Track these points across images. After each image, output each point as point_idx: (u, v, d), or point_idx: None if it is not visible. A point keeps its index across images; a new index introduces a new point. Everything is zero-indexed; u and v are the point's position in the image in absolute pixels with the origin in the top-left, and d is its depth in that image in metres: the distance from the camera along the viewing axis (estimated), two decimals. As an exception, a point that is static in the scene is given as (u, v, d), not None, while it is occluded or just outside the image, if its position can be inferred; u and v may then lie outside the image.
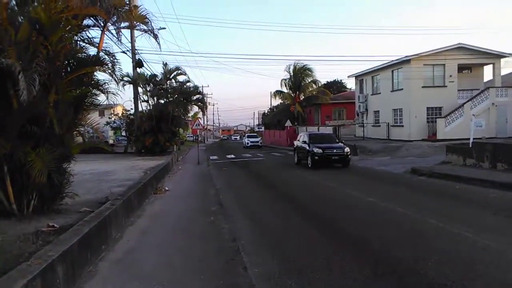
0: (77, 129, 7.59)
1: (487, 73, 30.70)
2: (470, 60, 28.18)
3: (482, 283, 4.49)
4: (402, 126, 28.61)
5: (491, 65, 29.07)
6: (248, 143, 43.43)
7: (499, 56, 28.38)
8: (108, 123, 32.39)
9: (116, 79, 7.34)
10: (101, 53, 7.09)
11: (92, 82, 6.98)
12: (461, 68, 28.74)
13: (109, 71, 6.94)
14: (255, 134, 53.42)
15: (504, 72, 31.62)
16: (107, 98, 7.12)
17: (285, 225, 7.81)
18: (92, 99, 7.13)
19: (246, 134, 57.10)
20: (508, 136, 25.46)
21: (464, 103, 26.95)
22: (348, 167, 17.84)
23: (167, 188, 12.65)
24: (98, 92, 7.09)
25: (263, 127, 66.96)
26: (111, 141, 41.43)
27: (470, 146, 15.15)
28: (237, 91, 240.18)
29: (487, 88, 27.84)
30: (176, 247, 6.28)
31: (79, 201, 7.71)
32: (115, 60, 7.11)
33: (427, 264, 5.10)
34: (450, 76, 27.67)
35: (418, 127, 27.53)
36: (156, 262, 5.51)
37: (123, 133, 33.92)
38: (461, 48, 27.46)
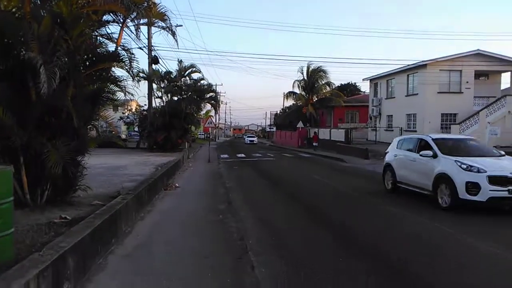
0: (93, 123, 7.71)
1: (505, 80, 30.26)
2: (488, 67, 27.81)
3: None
4: (416, 131, 28.30)
5: (509, 73, 28.61)
6: (247, 141, 57.50)
7: (517, 63, 27.95)
8: (121, 118, 32.73)
9: (133, 76, 7.44)
10: (119, 49, 7.20)
11: (110, 77, 7.08)
12: (478, 74, 28.39)
13: (126, 67, 7.03)
14: (253, 134, 72.93)
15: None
16: (125, 94, 7.21)
17: (292, 224, 7.82)
18: (109, 95, 7.23)
19: (247, 134, 75.23)
20: (524, 146, 25.02)
21: (480, 110, 26.57)
22: (358, 171, 17.65)
23: (177, 185, 12.75)
24: (115, 88, 7.19)
25: (274, 128, 66.97)
26: (123, 136, 41.87)
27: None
28: (250, 90, 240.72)
29: (504, 96, 27.36)
30: (185, 243, 6.33)
31: (91, 194, 7.81)
32: (132, 57, 7.20)
33: (447, 277, 5.06)
34: (467, 82, 27.36)
35: (432, 132, 27.19)
36: (164, 258, 5.57)
37: (136, 129, 34.24)
38: (479, 55, 27.13)
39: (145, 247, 6.06)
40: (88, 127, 7.54)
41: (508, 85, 29.38)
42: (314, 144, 33.67)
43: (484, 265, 5.42)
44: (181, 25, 30.45)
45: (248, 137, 63.42)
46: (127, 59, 6.97)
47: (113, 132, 10.33)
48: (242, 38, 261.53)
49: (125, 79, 7.10)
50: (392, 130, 31.23)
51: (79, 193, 7.62)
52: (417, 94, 28.39)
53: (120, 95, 7.43)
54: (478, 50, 27.04)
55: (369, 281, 4.80)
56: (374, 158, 23.55)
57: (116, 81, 7.06)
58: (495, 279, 4.91)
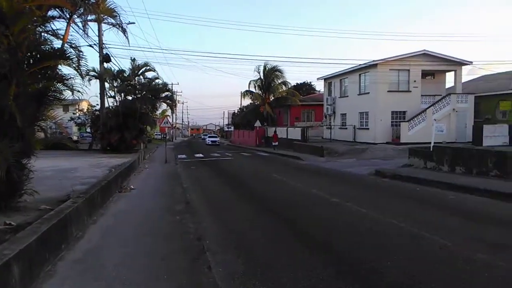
0: (39, 124, 7.32)
1: (449, 79, 32.05)
2: (434, 66, 29.30)
3: (437, 279, 4.67)
4: (368, 129, 29.35)
5: (453, 72, 30.31)
6: (209, 142, 52.49)
7: (460, 63, 29.64)
8: (72, 118, 31.36)
9: (82, 74, 7.13)
10: (66, 46, 6.88)
11: (56, 76, 6.75)
12: (424, 74, 29.81)
13: (74, 65, 6.74)
14: (215, 135, 67.56)
15: (466, 79, 33.19)
16: (72, 93, 6.90)
17: (251, 223, 7.86)
18: (55, 94, 6.89)
19: (208, 135, 69.87)
20: (468, 141, 26.61)
21: (427, 108, 27.98)
22: (315, 169, 18.08)
23: (132, 187, 12.42)
24: (62, 87, 6.86)
25: (232, 127, 66.89)
26: (75, 138, 40.22)
27: (431, 150, 15.73)
28: (208, 90, 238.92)
29: (449, 94, 29.02)
30: (140, 246, 6.18)
31: (39, 199, 7.44)
32: (81, 54, 6.90)
33: (387, 262, 5.28)
34: (414, 81, 28.65)
35: (383, 130, 28.33)
36: (118, 262, 5.40)
37: (88, 130, 32.96)
38: (425, 55, 28.51)
39: (97, 251, 5.85)
40: (35, 128, 7.16)
41: (453, 84, 31.11)
42: (274, 143, 33.24)
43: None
44: (134, 23, 29.78)
45: (210, 137, 57.07)
46: (74, 56, 6.68)
47: (63, 133, 9.88)
48: (198, 37, 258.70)
49: (72, 78, 6.79)
50: (346, 128, 32.17)
51: (26, 198, 7.24)
52: (369, 93, 29.39)
53: (68, 94, 7.10)
54: (424, 50, 28.42)
55: (331, 280, 4.91)
56: (329, 156, 24.18)
57: (63, 79, 6.74)
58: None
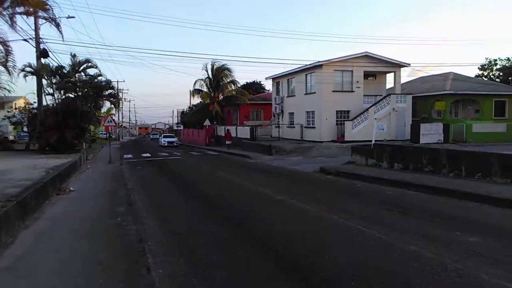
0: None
1: (389, 80, 33.66)
2: (375, 68, 30.62)
3: (370, 270, 4.91)
4: (314, 127, 30.12)
5: (393, 73, 31.87)
6: (164, 143, 43.10)
7: (399, 65, 31.24)
8: (7, 117, 29.31)
9: (9, 70, 6.68)
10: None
11: (-21, 71, 6.27)
12: (366, 75, 31.07)
13: (1, 61, 6.29)
14: (172, 134, 53.34)
15: (406, 80, 35.00)
16: (-2, 90, 6.43)
17: (195, 224, 7.79)
18: (-20, 91, 6.40)
19: (163, 134, 56.19)
20: (407, 139, 28.16)
21: (369, 107, 29.20)
22: (262, 167, 18.26)
23: (72, 188, 11.86)
24: (-14, 83, 6.38)
25: (182, 126, 65.85)
26: (11, 137, 37.61)
27: (372, 147, 16.47)
28: (156, 88, 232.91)
29: (389, 94, 30.48)
30: (76, 251, 5.92)
31: (-37, 204, 6.88)
32: (9, 49, 6.45)
33: (325, 256, 5.45)
34: (357, 82, 29.78)
35: (329, 129, 29.20)
36: (51, 269, 5.14)
37: (26, 129, 30.97)
38: (367, 57, 29.73)
39: (29, 258, 5.52)
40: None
41: (392, 85, 32.71)
42: (227, 142, 32.26)
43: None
44: (73, 17, 28.36)
45: (165, 137, 47.40)
46: (1, 51, 6.24)
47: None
48: (145, 35, 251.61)
49: (-1, 74, 6.34)
50: (294, 127, 32.81)
51: None
52: (315, 92, 30.15)
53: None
54: (366, 52, 29.63)
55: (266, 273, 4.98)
56: (277, 154, 24.56)
57: (-14, 75, 6.27)
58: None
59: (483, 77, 49.27)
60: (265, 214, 8.51)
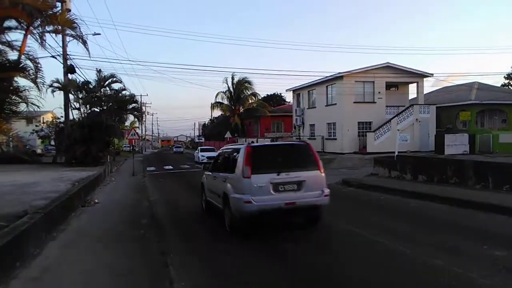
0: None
1: (412, 91, 33.19)
2: (397, 78, 30.29)
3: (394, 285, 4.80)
4: (336, 139, 29.90)
5: (415, 84, 31.43)
6: (202, 159, 31.41)
7: (422, 75, 30.81)
8: (35, 131, 30.30)
9: (39, 86, 6.96)
10: (23, 58, 6.69)
11: (11, 88, 6.53)
12: (389, 85, 30.77)
13: (31, 77, 6.55)
14: (212, 147, 38.82)
15: (430, 90, 34.44)
16: (27, 106, 6.69)
17: (219, 238, 7.81)
18: (11, 107, 6.66)
19: (199, 147, 41.10)
20: (431, 150, 27.57)
21: (391, 118, 28.83)
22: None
23: (96, 201, 12.11)
24: (17, 99, 6.65)
25: (203, 138, 66.62)
26: (39, 151, 38.78)
27: (395, 159, 16.21)
28: (178, 101, 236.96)
29: (412, 105, 30.04)
30: (100, 262, 6.02)
31: (-6, 215, 7.13)
32: (39, 66, 6.74)
33: (351, 270, 5.38)
34: (379, 92, 29.50)
35: (350, 140, 28.93)
36: (76, 280, 5.24)
37: (53, 142, 31.90)
38: (389, 67, 29.46)
39: (55, 269, 5.65)
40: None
41: (415, 95, 32.25)
42: None
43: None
44: (99, 34, 29.26)
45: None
46: (31, 68, 6.51)
47: (19, 147, 9.50)
48: (168, 49, 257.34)
49: (27, 89, 6.59)
50: (315, 139, 32.64)
51: (-21, 215, 6.92)
52: (336, 104, 30.01)
53: (24, 108, 6.88)
54: (387, 63, 29.39)
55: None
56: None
57: (18, 91, 6.53)
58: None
59: (509, 86, 48.03)
60: (287, 229, 8.46)
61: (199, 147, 40.99)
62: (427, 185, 13.21)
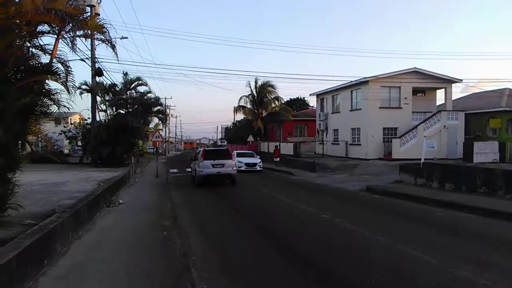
0: (26, 138, 7.29)
1: (440, 97, 32.39)
2: (424, 84, 29.64)
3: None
4: (360, 145, 29.48)
5: (443, 90, 30.68)
6: (240, 166, 25.27)
7: (450, 81, 30.02)
8: (63, 132, 31.21)
9: (69, 89, 7.15)
10: (54, 61, 6.90)
11: (43, 90, 6.74)
12: (415, 91, 30.14)
13: (62, 80, 6.75)
14: (251, 152, 32.41)
15: (459, 96, 33.53)
16: (58, 108, 6.88)
17: (239, 240, 7.81)
18: (42, 108, 6.87)
19: (236, 152, 30.55)
20: (459, 157, 26.80)
21: (418, 124, 28.20)
22: (306, 184, 18.06)
23: (121, 201, 12.33)
24: (48, 101, 6.85)
25: (226, 141, 66.98)
26: (66, 151, 39.88)
27: (421, 166, 15.83)
28: (201, 104, 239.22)
29: (439, 111, 29.31)
30: (124, 262, 6.11)
31: (24, 213, 7.36)
32: (69, 69, 6.93)
33: (371, 279, 5.26)
34: (405, 98, 28.90)
35: (375, 146, 28.46)
36: (101, 278, 5.34)
37: (80, 143, 32.78)
38: (415, 72, 28.86)
39: (81, 267, 5.77)
40: (20, 142, 7.11)
41: (443, 101, 31.46)
42: (275, 159, 30.45)
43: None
44: (127, 37, 30.00)
45: (239, 155, 56.91)
46: (62, 71, 6.70)
47: (48, 147, 9.81)
48: (192, 52, 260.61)
49: (58, 92, 6.79)
50: (338, 144, 32.30)
51: (10, 212, 7.15)
52: (361, 109, 29.60)
53: (55, 109, 7.09)
54: (415, 68, 28.79)
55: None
56: (321, 171, 24.22)
57: (49, 94, 6.73)
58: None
59: (543, 93, 46.20)
60: (309, 233, 8.38)
61: (234, 151, 30.47)
62: (455, 194, 12.82)
